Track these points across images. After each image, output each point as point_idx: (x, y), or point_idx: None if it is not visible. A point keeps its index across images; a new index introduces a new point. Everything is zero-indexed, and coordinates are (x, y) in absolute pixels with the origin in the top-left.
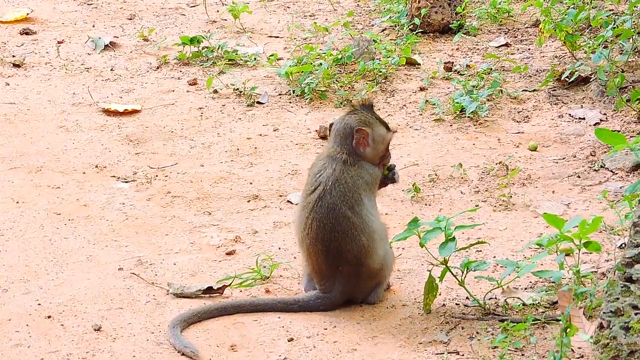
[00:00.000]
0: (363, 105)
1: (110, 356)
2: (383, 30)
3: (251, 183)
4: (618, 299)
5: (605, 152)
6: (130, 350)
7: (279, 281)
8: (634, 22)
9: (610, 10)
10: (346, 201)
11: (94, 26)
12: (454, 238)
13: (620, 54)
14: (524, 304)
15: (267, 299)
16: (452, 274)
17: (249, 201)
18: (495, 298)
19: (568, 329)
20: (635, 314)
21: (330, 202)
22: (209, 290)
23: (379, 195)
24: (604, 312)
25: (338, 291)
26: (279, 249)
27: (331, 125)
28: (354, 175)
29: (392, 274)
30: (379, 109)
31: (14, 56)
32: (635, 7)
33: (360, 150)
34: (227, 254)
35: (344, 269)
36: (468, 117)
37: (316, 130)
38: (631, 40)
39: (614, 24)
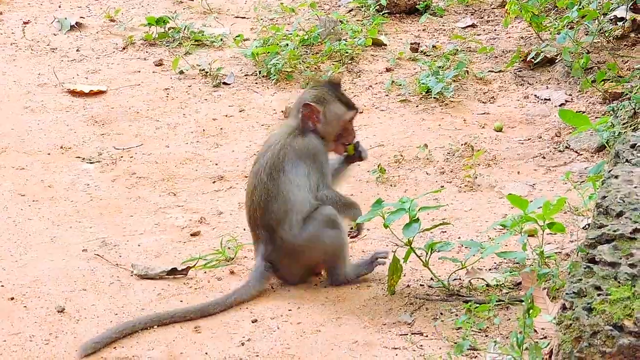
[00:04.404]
0: (329, 82)
1: (74, 338)
2: (350, 11)
3: (216, 164)
4: (581, 280)
5: (570, 133)
6: (93, 332)
7: (244, 262)
8: (599, 3)
9: None
10: (268, 168)
11: (60, 7)
12: (417, 219)
13: (586, 35)
14: (488, 285)
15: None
16: (416, 255)
17: (214, 182)
18: (460, 279)
19: (531, 310)
20: (598, 295)
21: (256, 169)
22: (173, 272)
23: (347, 175)
24: (566, 293)
25: (260, 264)
26: (244, 230)
27: None
28: (285, 144)
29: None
30: (345, 90)
31: None
32: None
33: (309, 125)
34: (191, 235)
35: (261, 233)
36: (434, 98)
37: (282, 111)
38: (596, 21)
39: (579, 5)
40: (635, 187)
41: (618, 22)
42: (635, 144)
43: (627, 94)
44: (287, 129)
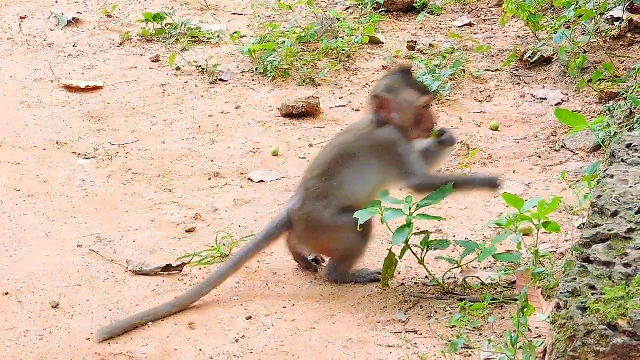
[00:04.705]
0: (400, 70)
1: (68, 333)
2: (347, 9)
3: (212, 161)
4: (575, 279)
5: (566, 132)
6: (87, 328)
7: None
8: (596, 2)
9: None
10: (339, 150)
11: (57, 2)
12: (410, 224)
13: (583, 34)
14: (482, 284)
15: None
16: (412, 252)
17: (210, 179)
18: (455, 277)
19: (525, 309)
20: (592, 294)
21: (330, 145)
22: (167, 268)
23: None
24: (561, 293)
25: (282, 215)
26: (239, 226)
27: None
28: (361, 137)
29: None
30: (341, 88)
31: None
32: None
33: (381, 116)
34: (187, 231)
35: (301, 190)
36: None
37: (278, 108)
38: (593, 21)
39: (576, 5)
40: (630, 187)
41: (615, 22)
42: (631, 144)
43: (623, 94)
44: (365, 122)
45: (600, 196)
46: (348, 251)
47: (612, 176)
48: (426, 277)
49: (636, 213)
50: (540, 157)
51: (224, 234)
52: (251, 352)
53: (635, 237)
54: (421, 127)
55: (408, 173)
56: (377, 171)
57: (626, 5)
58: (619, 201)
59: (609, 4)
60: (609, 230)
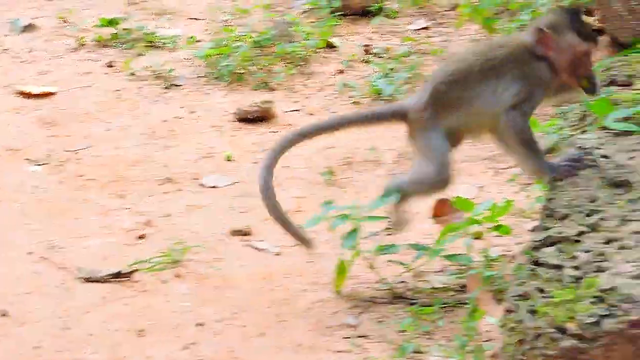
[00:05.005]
0: (569, 10)
1: (16, 342)
2: (303, 13)
3: (166, 166)
4: (525, 282)
5: None
6: (37, 336)
7: (190, 265)
8: (552, 5)
9: None
10: (484, 62)
11: (12, 7)
12: (356, 230)
13: None
14: (434, 288)
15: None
16: (363, 257)
17: (162, 184)
18: (406, 282)
19: (475, 313)
20: (542, 297)
21: (472, 52)
22: (118, 275)
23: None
24: (511, 296)
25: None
26: (191, 232)
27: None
28: (516, 56)
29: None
30: (296, 92)
31: None
32: None
33: (539, 50)
34: (138, 237)
35: (426, 88)
36: (385, 99)
37: (233, 113)
38: None
39: (531, 8)
40: (581, 190)
41: None
42: (582, 147)
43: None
44: (519, 45)
45: (551, 199)
46: (422, 176)
47: (562, 179)
48: (377, 281)
49: (586, 216)
50: (493, 160)
51: (176, 240)
52: (201, 359)
53: (585, 240)
54: (575, 73)
55: (521, 107)
56: (513, 95)
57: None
58: (569, 204)
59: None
60: (559, 234)
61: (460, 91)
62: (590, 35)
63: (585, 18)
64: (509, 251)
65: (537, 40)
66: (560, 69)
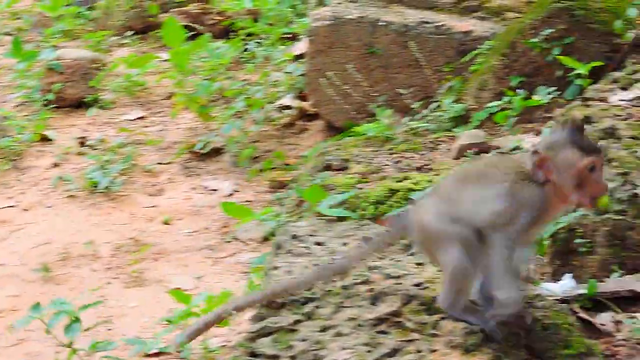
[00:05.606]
0: (568, 124)
1: None
2: (17, 106)
3: None
4: None
5: (237, 223)
6: None
7: None
8: (266, 92)
9: (244, 80)
10: (481, 175)
11: None
12: (78, 319)
13: (255, 123)
14: None
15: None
16: (78, 356)
17: None
18: None
19: None
20: None
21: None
22: None
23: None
24: None
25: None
26: None
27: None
28: (512, 183)
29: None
30: (11, 187)
31: None
32: (266, 76)
33: (539, 175)
34: None
35: None
36: (101, 192)
37: None
38: (263, 110)
39: (246, 94)
40: (295, 279)
41: (284, 110)
42: (296, 235)
43: (292, 182)
44: (517, 168)
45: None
46: (455, 271)
47: (277, 267)
48: None
49: (302, 304)
50: (212, 249)
51: None
52: None
53: (301, 328)
54: (584, 193)
55: (507, 230)
56: (504, 214)
57: (296, 94)
58: (285, 293)
59: (279, 92)
60: (275, 323)
61: (454, 192)
62: (592, 147)
63: (586, 131)
64: (229, 342)
65: (535, 164)
66: (565, 190)
